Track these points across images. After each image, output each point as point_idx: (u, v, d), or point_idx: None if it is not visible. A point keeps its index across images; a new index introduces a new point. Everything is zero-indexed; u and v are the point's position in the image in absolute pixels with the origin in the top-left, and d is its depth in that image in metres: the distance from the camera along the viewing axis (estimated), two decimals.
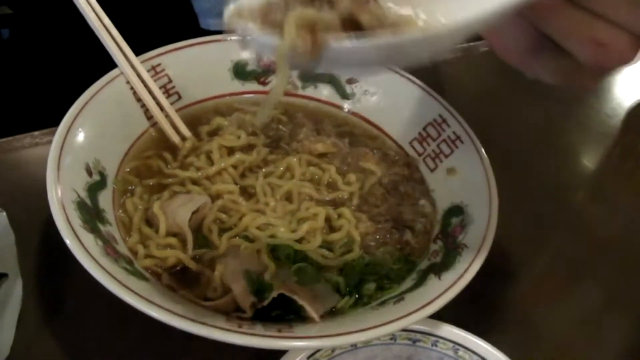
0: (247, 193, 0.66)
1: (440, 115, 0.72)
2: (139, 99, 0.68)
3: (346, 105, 0.78)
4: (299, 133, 0.73)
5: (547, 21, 0.40)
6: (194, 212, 0.60)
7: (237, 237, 0.61)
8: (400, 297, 0.56)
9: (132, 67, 0.68)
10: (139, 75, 0.68)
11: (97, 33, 0.68)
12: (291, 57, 0.34)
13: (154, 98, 0.69)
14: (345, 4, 0.35)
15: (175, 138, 0.70)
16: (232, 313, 0.54)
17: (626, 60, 0.40)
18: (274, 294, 0.54)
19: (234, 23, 0.36)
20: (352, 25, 0.35)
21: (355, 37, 0.33)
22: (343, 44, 0.33)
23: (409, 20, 0.37)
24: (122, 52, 0.68)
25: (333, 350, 0.54)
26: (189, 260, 0.58)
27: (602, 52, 0.40)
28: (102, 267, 0.49)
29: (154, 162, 0.67)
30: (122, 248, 0.57)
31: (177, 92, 0.73)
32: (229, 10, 0.36)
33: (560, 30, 0.40)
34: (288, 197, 0.66)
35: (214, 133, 0.72)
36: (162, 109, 0.70)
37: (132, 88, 0.68)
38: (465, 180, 0.67)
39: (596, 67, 0.41)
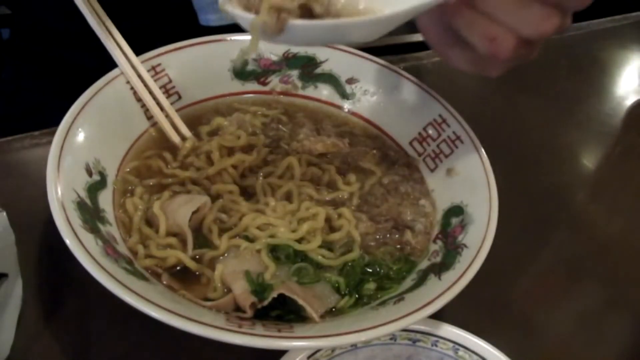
0: (247, 193, 0.66)
1: (440, 115, 0.72)
2: (139, 99, 0.68)
3: (346, 105, 0.78)
4: (299, 133, 0.73)
5: (454, 20, 0.52)
6: (194, 212, 0.60)
7: (237, 237, 0.61)
8: (400, 297, 0.56)
9: (133, 67, 0.68)
10: (139, 75, 0.68)
11: (97, 33, 0.68)
12: (262, 29, 0.48)
13: (154, 98, 0.69)
14: None
15: (175, 138, 0.70)
16: (232, 313, 0.54)
17: (515, 54, 0.51)
18: (274, 294, 0.54)
19: (226, 6, 0.50)
20: (308, 12, 0.50)
21: (307, 20, 0.49)
22: (297, 23, 0.48)
23: (350, 10, 0.52)
24: (123, 52, 0.68)
25: (333, 350, 0.54)
26: (189, 260, 0.58)
27: (494, 46, 0.51)
28: (102, 267, 0.49)
29: (154, 162, 0.67)
30: (122, 248, 0.57)
31: (177, 92, 0.73)
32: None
33: (464, 27, 0.52)
34: (288, 197, 0.66)
35: (214, 133, 0.72)
36: (162, 109, 0.70)
37: (132, 88, 0.68)
38: (465, 180, 0.67)
39: (494, 58, 0.52)
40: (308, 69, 0.78)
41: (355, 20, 0.50)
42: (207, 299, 0.55)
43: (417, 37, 1.11)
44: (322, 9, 0.50)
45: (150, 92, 0.69)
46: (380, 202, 0.68)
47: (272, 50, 0.77)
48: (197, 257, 0.59)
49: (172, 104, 0.71)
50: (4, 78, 1.06)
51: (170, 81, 0.72)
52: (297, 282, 0.57)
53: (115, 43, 0.68)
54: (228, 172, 0.67)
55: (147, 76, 0.69)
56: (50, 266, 0.62)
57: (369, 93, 0.77)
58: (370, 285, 0.59)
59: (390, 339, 0.56)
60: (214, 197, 0.64)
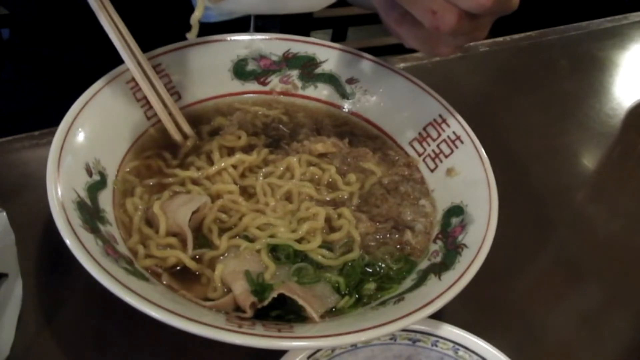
0: (247, 193, 0.66)
1: (440, 115, 0.72)
2: (139, 99, 0.68)
3: (346, 105, 0.78)
4: (299, 133, 0.73)
5: None
6: (194, 212, 0.60)
7: (237, 237, 0.61)
8: (400, 297, 0.56)
9: (139, 64, 0.68)
10: (144, 72, 0.68)
11: (106, 29, 0.67)
12: None
13: (159, 95, 0.69)
14: None
15: (178, 136, 0.70)
16: (232, 313, 0.54)
17: (458, 28, 0.53)
18: (274, 294, 0.54)
19: None
20: None
21: None
22: None
23: None
24: (130, 47, 0.67)
25: (333, 350, 0.54)
26: (189, 260, 0.58)
27: (436, 19, 0.53)
28: (102, 267, 0.49)
29: (154, 162, 0.67)
30: (122, 248, 0.57)
31: (177, 92, 0.73)
32: None
33: (407, 1, 0.54)
34: (288, 197, 0.66)
35: (215, 132, 0.72)
36: (165, 106, 0.69)
37: (132, 88, 0.68)
38: (465, 180, 0.67)
39: (437, 32, 0.54)
40: (308, 69, 0.78)
41: None
42: (207, 299, 0.55)
43: None
44: None
45: (155, 89, 0.69)
46: (380, 202, 0.68)
47: (272, 51, 0.77)
48: (197, 257, 0.59)
49: None
50: (4, 78, 1.06)
51: (171, 81, 0.72)
52: (297, 282, 0.57)
53: (122, 39, 0.67)
54: (228, 172, 0.67)
55: (152, 73, 0.69)
56: (50, 266, 0.62)
57: (369, 93, 0.77)
58: (370, 285, 0.59)
59: (390, 339, 0.56)
60: (214, 197, 0.64)
